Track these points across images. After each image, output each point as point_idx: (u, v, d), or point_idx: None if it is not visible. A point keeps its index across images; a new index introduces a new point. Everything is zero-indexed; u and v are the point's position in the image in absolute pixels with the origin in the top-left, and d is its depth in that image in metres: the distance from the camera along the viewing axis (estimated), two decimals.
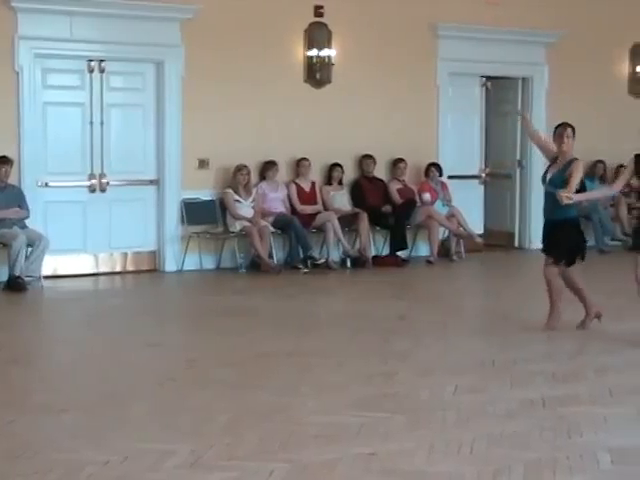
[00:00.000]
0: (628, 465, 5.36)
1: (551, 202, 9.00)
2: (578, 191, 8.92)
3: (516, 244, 15.73)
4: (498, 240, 15.57)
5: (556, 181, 9.01)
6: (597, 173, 15.54)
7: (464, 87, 15.02)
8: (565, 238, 9.04)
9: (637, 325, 9.20)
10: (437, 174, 14.35)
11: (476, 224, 14.87)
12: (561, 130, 9.14)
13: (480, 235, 14.80)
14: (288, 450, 5.55)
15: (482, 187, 15.47)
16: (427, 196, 14.18)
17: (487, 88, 15.41)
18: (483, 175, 15.43)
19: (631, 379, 7.27)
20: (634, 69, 16.13)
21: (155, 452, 5.45)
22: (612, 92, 15.82)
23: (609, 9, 15.60)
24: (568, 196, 8.55)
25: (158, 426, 6.05)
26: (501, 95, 15.71)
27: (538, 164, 15.52)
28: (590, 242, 15.26)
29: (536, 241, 15.41)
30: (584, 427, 6.02)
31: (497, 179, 15.70)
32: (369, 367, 7.61)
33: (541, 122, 15.42)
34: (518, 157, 15.69)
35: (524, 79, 15.48)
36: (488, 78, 15.34)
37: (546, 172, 9.18)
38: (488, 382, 7.16)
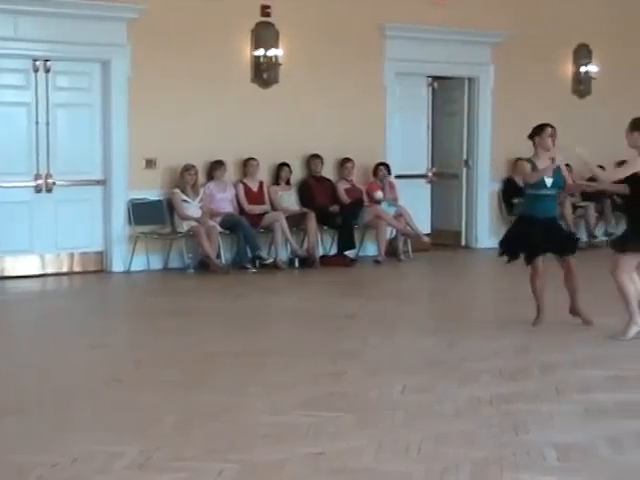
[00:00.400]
0: (574, 461, 5.41)
1: (550, 201, 9.23)
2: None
3: (463, 243, 15.83)
4: (445, 239, 15.66)
5: (560, 182, 9.23)
6: None
7: (411, 87, 15.09)
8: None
9: (581, 324, 9.30)
10: (386, 173, 14.40)
11: (423, 223, 14.94)
12: (553, 131, 9.21)
13: (427, 234, 14.87)
14: (237, 450, 5.54)
15: (429, 187, 15.55)
16: (379, 194, 14.19)
17: (434, 88, 15.50)
18: (430, 175, 15.51)
19: (577, 376, 7.34)
20: (578, 69, 16.30)
21: (104, 453, 5.42)
22: (556, 92, 15.98)
23: (554, 10, 15.76)
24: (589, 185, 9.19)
25: (106, 427, 6.02)
26: (448, 95, 15.81)
27: (484, 164, 15.71)
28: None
29: (483, 240, 15.62)
30: (531, 424, 6.07)
31: (444, 179, 15.78)
32: (318, 367, 7.62)
33: (487, 121, 15.61)
34: (465, 157, 15.79)
35: (470, 79, 15.59)
36: (435, 78, 15.43)
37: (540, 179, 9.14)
38: (436, 381, 7.20)
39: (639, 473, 5.23)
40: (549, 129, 9.24)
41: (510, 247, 9.34)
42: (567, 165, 9.57)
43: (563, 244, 9.30)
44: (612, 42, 16.30)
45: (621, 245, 8.70)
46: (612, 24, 16.31)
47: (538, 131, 9.26)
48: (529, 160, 9.25)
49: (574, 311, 9.36)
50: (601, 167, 9.59)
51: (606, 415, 6.33)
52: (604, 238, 15.78)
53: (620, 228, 16.43)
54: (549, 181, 9.13)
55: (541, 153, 9.22)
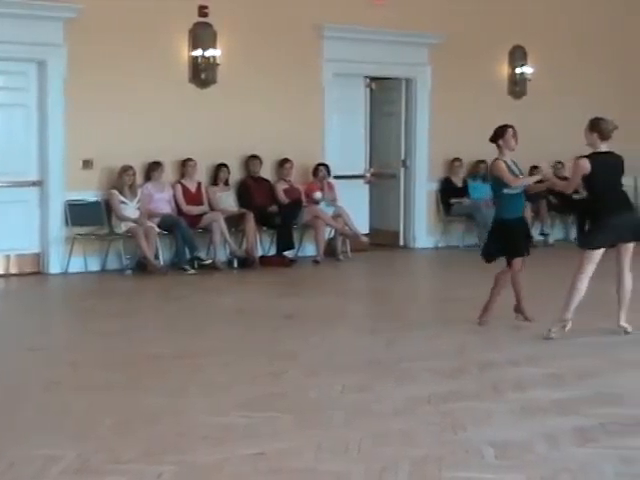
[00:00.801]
0: (511, 459, 5.46)
1: (521, 199, 9.37)
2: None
3: (401, 243, 15.90)
4: (383, 239, 15.72)
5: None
6: (479, 173, 15.82)
7: (349, 88, 15.13)
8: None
9: (520, 323, 9.38)
10: (325, 174, 14.42)
11: (362, 223, 14.98)
12: (514, 131, 9.33)
13: (366, 234, 14.91)
14: (176, 452, 5.51)
15: (367, 187, 15.59)
16: (318, 194, 14.21)
17: (372, 89, 15.56)
18: (368, 175, 15.55)
19: (514, 374, 7.41)
20: (513, 70, 16.46)
21: (41, 458, 5.35)
22: (492, 93, 16.13)
23: (490, 12, 15.90)
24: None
25: (44, 431, 5.95)
26: (385, 95, 15.88)
27: (422, 164, 15.80)
28: (472, 241, 15.64)
29: (420, 239, 15.71)
30: (469, 423, 6.11)
31: (382, 179, 15.84)
32: (257, 367, 7.61)
33: (424, 122, 15.69)
34: (402, 157, 15.86)
35: (408, 80, 15.66)
36: (373, 79, 15.49)
37: (512, 173, 9.23)
38: (375, 380, 7.22)
39: (574, 469, 5.29)
40: (511, 130, 9.34)
41: (497, 250, 9.38)
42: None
43: (527, 243, 9.51)
44: (546, 44, 16.48)
45: (586, 244, 8.80)
46: (546, 27, 16.48)
47: (501, 133, 9.33)
48: (498, 158, 9.31)
49: (518, 309, 9.47)
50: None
51: (542, 412, 6.39)
52: (540, 238, 15.95)
53: (555, 228, 16.69)
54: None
55: (506, 153, 9.31)
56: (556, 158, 16.35)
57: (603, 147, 8.72)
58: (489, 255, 9.40)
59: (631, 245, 8.83)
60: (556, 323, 8.76)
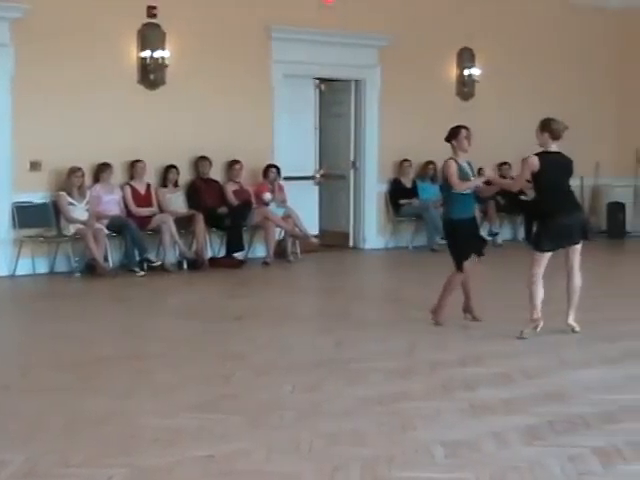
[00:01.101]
0: (460, 458, 5.50)
1: (471, 200, 9.41)
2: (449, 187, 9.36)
3: (351, 244, 15.94)
4: (333, 240, 15.74)
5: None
6: (428, 174, 15.90)
7: (299, 89, 15.13)
8: None
9: (469, 322, 9.44)
10: (275, 175, 14.41)
11: (311, 225, 15.00)
12: (467, 132, 9.35)
13: (315, 235, 14.94)
14: (126, 454, 5.48)
15: (317, 188, 15.61)
16: (268, 195, 14.19)
17: (321, 90, 15.57)
18: (318, 176, 15.56)
19: (463, 374, 7.46)
20: (461, 72, 16.55)
21: None
22: (441, 94, 16.21)
23: (438, 14, 15.98)
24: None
25: None
26: (335, 97, 15.91)
27: (371, 165, 15.84)
28: (422, 241, 15.72)
29: (370, 240, 15.76)
30: (418, 422, 6.14)
31: (331, 180, 15.86)
32: (207, 369, 7.59)
33: (374, 123, 15.73)
34: (352, 158, 15.89)
35: (357, 81, 15.70)
36: (322, 80, 15.51)
37: (468, 177, 9.27)
38: (325, 381, 7.23)
39: (522, 467, 5.33)
40: (464, 131, 9.37)
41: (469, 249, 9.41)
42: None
43: (481, 246, 9.56)
44: (493, 46, 16.59)
45: (538, 246, 8.84)
46: (493, 29, 16.59)
47: (454, 133, 9.37)
48: (452, 159, 9.34)
49: (467, 309, 9.52)
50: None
51: (491, 412, 6.44)
52: (488, 238, 16.04)
53: (504, 229, 16.81)
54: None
55: (460, 154, 9.35)
56: (504, 159, 16.50)
57: (553, 147, 8.81)
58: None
59: (579, 244, 8.93)
60: (528, 324, 8.81)
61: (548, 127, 8.80)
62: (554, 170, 8.75)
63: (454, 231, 9.34)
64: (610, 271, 14.06)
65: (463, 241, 9.29)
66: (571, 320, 8.99)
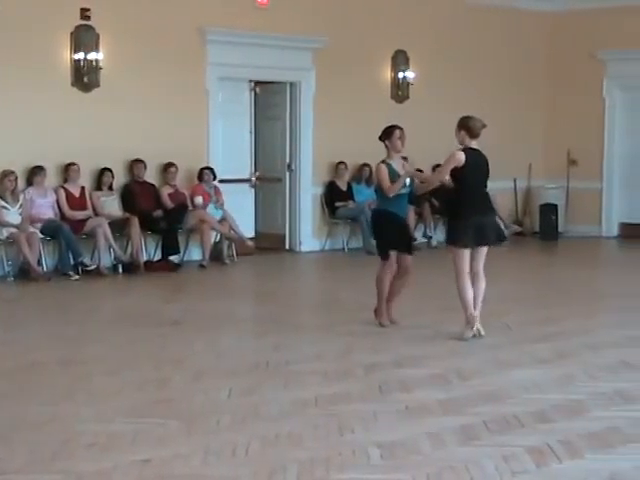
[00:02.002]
0: (397, 459, 5.54)
1: (405, 201, 9.39)
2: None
3: (287, 246, 15.95)
4: (269, 243, 15.75)
5: (411, 182, 9.42)
6: (363, 176, 15.97)
7: (234, 91, 15.12)
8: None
9: (406, 324, 9.50)
10: (211, 178, 14.39)
11: (247, 227, 15.01)
12: (401, 133, 9.38)
13: (251, 238, 14.94)
14: (61, 460, 5.45)
15: (253, 191, 15.60)
16: (199, 199, 14.18)
17: (256, 92, 15.56)
18: (253, 179, 15.56)
19: (398, 375, 7.50)
20: (396, 75, 16.65)
21: None
22: (376, 97, 16.30)
23: (372, 17, 16.07)
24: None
25: None
26: (270, 99, 15.91)
27: (307, 167, 15.87)
28: (357, 244, 15.79)
29: (306, 243, 15.79)
30: (355, 424, 6.17)
31: (267, 182, 15.88)
32: (143, 373, 7.56)
33: (309, 125, 15.76)
34: (287, 161, 15.91)
35: (292, 83, 15.73)
36: (257, 82, 15.51)
37: (396, 177, 9.25)
38: (262, 384, 7.23)
39: (458, 467, 5.39)
40: (397, 131, 9.38)
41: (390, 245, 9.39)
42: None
43: (409, 244, 9.55)
44: (428, 49, 16.73)
45: (454, 241, 8.86)
46: (428, 32, 16.73)
47: (387, 134, 9.38)
48: (384, 162, 9.34)
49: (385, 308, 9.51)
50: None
51: (427, 413, 6.49)
52: (423, 240, 16.17)
53: (439, 231, 16.93)
54: (407, 180, 9.32)
55: (393, 155, 9.38)
56: (438, 161, 16.56)
57: (474, 144, 8.83)
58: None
59: (486, 248, 8.94)
60: (465, 325, 8.85)
61: (465, 125, 8.84)
62: (475, 168, 8.76)
63: (380, 219, 9.34)
64: (543, 272, 14.22)
65: (389, 230, 9.26)
66: (477, 324, 8.88)
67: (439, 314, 10.00)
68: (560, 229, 18.07)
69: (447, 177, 8.93)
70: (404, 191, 9.33)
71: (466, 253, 8.75)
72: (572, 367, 7.85)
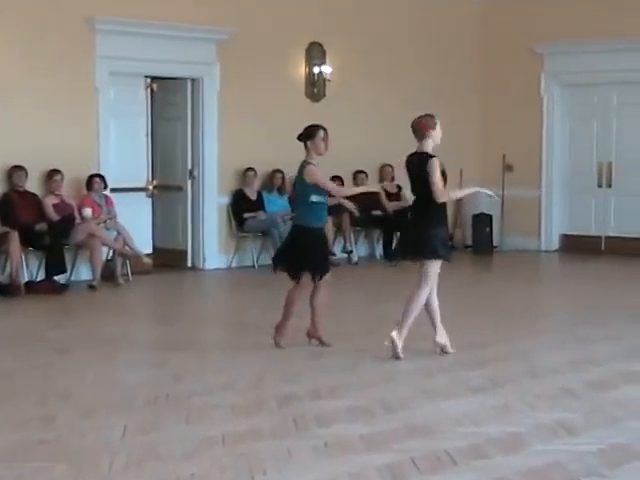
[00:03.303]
0: None
1: (325, 212, 9.46)
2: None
3: (189, 264, 15.89)
4: (169, 260, 15.67)
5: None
6: (275, 184, 15.96)
7: (128, 89, 15.03)
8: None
9: (322, 349, 9.52)
10: (102, 186, 14.27)
11: (144, 242, 14.91)
12: (325, 134, 9.38)
13: (149, 254, 14.85)
14: None
15: (150, 201, 15.51)
16: (88, 211, 14.06)
17: (152, 89, 15.49)
18: (151, 187, 15.47)
19: (316, 408, 7.49)
20: (310, 70, 16.68)
21: None
22: (289, 95, 16.33)
23: (284, 5, 16.10)
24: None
25: None
26: (169, 97, 15.86)
27: (211, 174, 15.83)
28: (268, 260, 15.76)
29: (211, 260, 15.73)
30: (268, 464, 6.14)
31: (166, 191, 15.80)
32: (24, 410, 7.45)
33: (213, 127, 15.73)
34: (189, 167, 15.86)
35: (193, 80, 15.69)
36: (154, 78, 15.43)
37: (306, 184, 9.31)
38: (161, 419, 7.18)
39: None
40: (322, 131, 9.41)
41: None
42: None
43: (326, 264, 9.59)
44: (346, 42, 16.80)
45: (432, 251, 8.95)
46: (345, 23, 16.81)
47: (310, 134, 9.38)
48: (308, 162, 9.34)
49: (314, 334, 9.56)
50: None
51: (349, 449, 6.49)
52: (343, 255, 16.22)
53: (360, 245, 16.99)
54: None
55: (314, 158, 9.37)
56: (359, 167, 16.69)
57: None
58: (279, 264, 9.48)
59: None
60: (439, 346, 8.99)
61: (433, 125, 9.03)
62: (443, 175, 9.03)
63: (308, 239, 9.38)
64: (476, 290, 14.35)
65: (315, 252, 9.34)
66: (438, 339, 9.19)
67: (361, 338, 10.03)
68: (495, 242, 18.28)
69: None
70: (321, 200, 9.36)
71: (437, 268, 8.93)
72: (509, 396, 7.92)
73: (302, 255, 9.36)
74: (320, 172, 9.37)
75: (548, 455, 6.35)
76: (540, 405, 7.65)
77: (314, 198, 9.36)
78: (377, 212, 16.44)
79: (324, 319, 9.62)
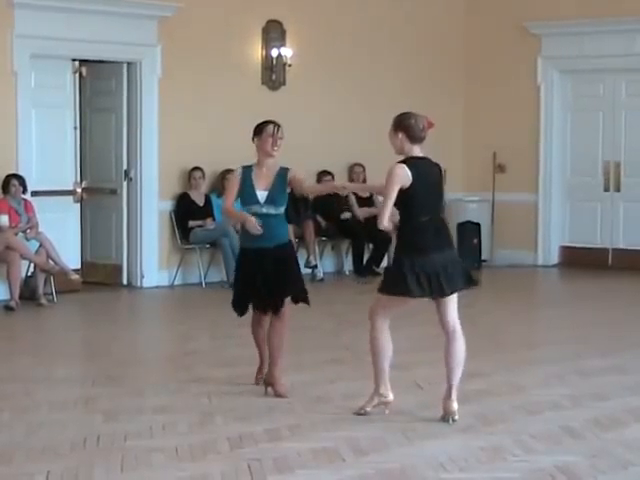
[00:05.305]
0: None
1: (274, 225, 9.13)
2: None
3: (124, 281, 15.84)
4: (101, 276, 15.65)
5: (280, 200, 9.17)
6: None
7: (51, 74, 14.99)
8: (297, 266, 9.45)
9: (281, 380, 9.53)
10: (20, 190, 14.21)
11: (71, 256, 14.86)
12: (276, 130, 9.19)
13: (77, 270, 14.80)
14: None
15: (78, 206, 15.46)
16: (4, 219, 14.00)
17: (82, 75, 15.42)
18: (79, 191, 15.41)
19: (275, 451, 7.48)
20: (268, 53, 16.64)
21: None
22: (242, 82, 16.32)
23: None
24: None
25: None
26: (101, 84, 15.85)
27: (151, 175, 15.79)
28: (218, 276, 15.75)
29: (150, 276, 15.70)
30: None
31: (98, 195, 15.75)
32: None
33: (153, 120, 15.70)
34: (125, 167, 15.82)
35: (130, 64, 15.67)
36: (83, 62, 15.37)
37: (252, 191, 9.12)
38: (90, 466, 7.14)
39: None
40: (271, 127, 9.18)
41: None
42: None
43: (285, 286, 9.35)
44: (309, 20, 16.83)
45: (386, 287, 8.47)
46: None
47: (257, 131, 9.20)
48: (246, 166, 9.21)
49: (267, 379, 9.41)
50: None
51: None
52: (306, 270, 16.21)
53: (326, 259, 16.98)
54: (264, 196, 9.15)
55: (264, 160, 9.22)
56: (324, 167, 16.69)
57: (416, 151, 8.38)
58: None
59: (454, 296, 8.81)
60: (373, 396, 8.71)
61: (402, 124, 8.34)
62: (424, 184, 8.29)
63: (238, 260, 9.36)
64: (462, 312, 14.29)
65: (248, 277, 9.20)
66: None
67: (325, 369, 10.03)
68: (484, 255, 18.28)
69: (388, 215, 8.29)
70: (269, 211, 9.18)
71: (395, 302, 8.47)
72: (501, 436, 7.95)
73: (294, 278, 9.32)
74: (233, 181, 9.21)
75: None
76: (537, 447, 7.68)
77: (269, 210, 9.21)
78: (346, 215, 16.46)
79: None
